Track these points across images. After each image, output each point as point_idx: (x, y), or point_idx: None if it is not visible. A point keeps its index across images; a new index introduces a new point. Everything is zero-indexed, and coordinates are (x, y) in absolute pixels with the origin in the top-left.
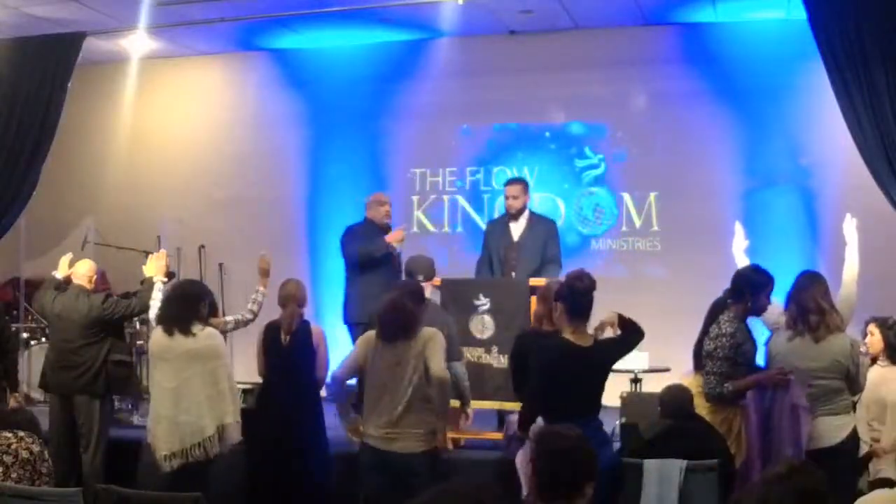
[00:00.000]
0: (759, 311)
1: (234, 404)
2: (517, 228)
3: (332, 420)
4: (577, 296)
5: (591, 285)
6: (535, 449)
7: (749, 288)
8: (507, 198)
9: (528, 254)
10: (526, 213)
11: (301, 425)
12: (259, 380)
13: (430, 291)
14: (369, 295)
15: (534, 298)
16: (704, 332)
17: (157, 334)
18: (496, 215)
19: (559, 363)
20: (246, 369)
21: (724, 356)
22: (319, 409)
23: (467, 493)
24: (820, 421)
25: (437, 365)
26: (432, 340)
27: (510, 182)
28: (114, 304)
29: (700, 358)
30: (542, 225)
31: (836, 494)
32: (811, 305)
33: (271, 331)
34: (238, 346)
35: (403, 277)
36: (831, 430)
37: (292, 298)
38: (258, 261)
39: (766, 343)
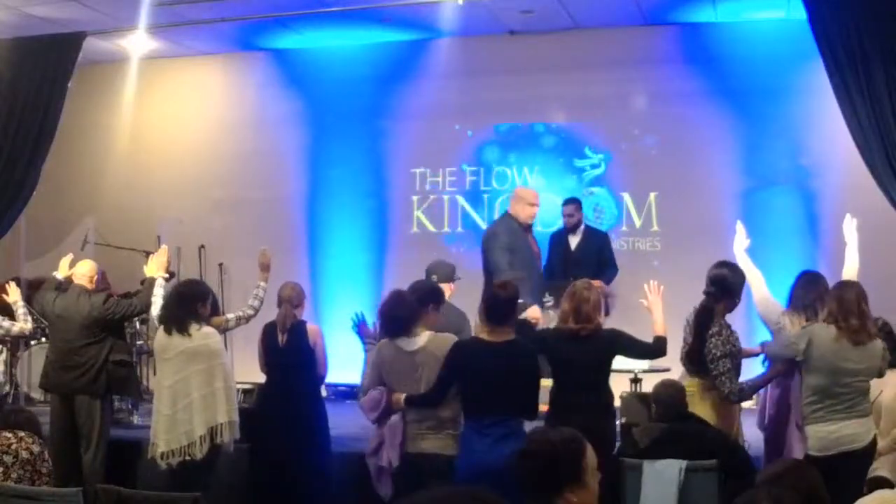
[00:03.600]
0: (735, 305)
1: (228, 403)
2: (574, 240)
3: (335, 419)
4: (499, 303)
5: (514, 295)
6: (523, 447)
7: (733, 288)
8: (563, 216)
9: (585, 261)
10: (582, 227)
11: (301, 423)
12: (259, 380)
13: (448, 295)
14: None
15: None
16: (699, 338)
17: (159, 334)
18: (496, 215)
19: (473, 361)
20: (246, 369)
21: (721, 354)
22: (321, 406)
23: (462, 494)
24: (849, 424)
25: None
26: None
27: (566, 202)
28: (115, 305)
29: (694, 362)
30: (595, 236)
31: (853, 495)
32: (854, 308)
33: (270, 331)
34: (238, 347)
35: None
36: (861, 432)
37: (286, 300)
38: (258, 255)
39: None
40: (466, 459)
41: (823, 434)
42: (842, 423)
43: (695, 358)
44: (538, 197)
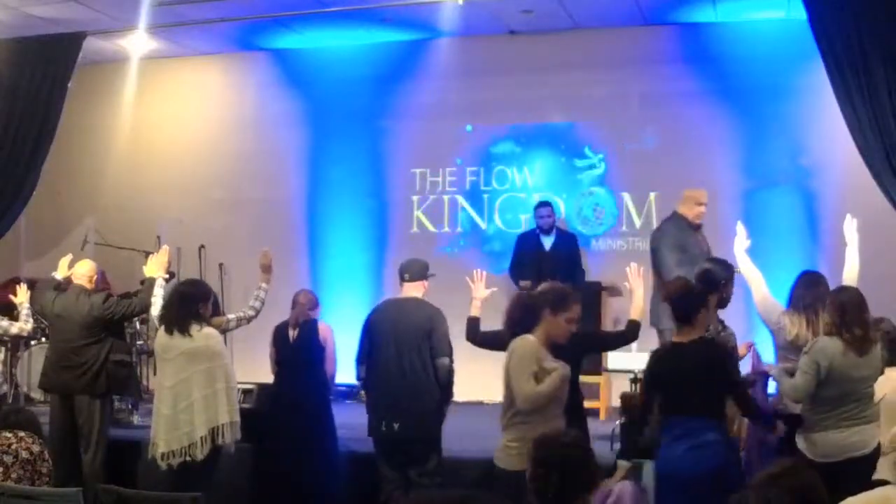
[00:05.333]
0: (727, 301)
1: (230, 404)
2: (548, 241)
3: (342, 418)
4: (677, 301)
5: (684, 290)
6: (532, 454)
7: (721, 280)
8: (539, 217)
9: (558, 262)
10: (554, 229)
11: (309, 421)
12: (259, 379)
13: (422, 293)
14: None
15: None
16: None
17: (160, 334)
18: (497, 215)
19: (659, 364)
20: (246, 369)
21: None
22: (328, 404)
23: (457, 498)
24: (857, 430)
25: (520, 387)
26: (514, 354)
27: (542, 205)
28: (114, 304)
29: None
30: (568, 238)
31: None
32: (856, 318)
33: (281, 329)
34: (238, 347)
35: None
36: (867, 438)
37: (301, 303)
38: (259, 256)
39: (774, 338)
40: (659, 465)
41: (832, 441)
42: (850, 429)
43: None
44: (706, 196)
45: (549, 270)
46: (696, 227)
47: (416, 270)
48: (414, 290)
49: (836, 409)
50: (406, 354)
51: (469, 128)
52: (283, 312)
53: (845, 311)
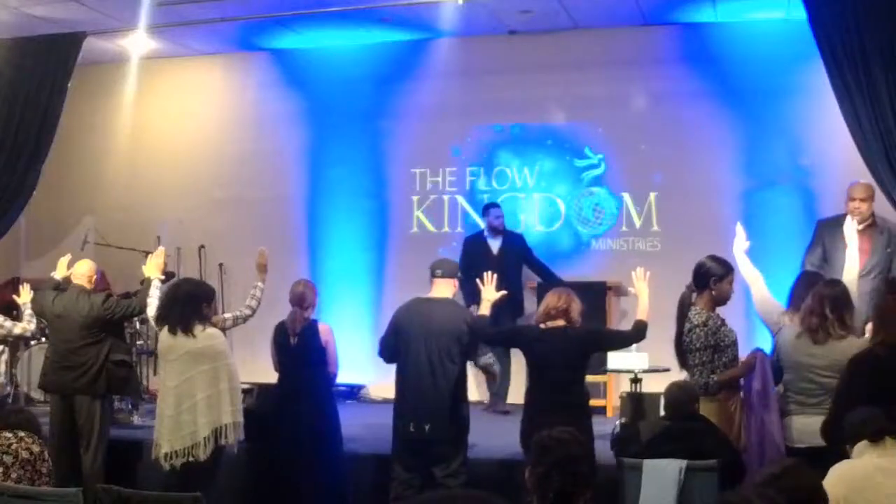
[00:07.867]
0: (723, 299)
1: (233, 404)
2: (495, 244)
3: (342, 419)
4: None
5: None
6: (532, 456)
7: (712, 277)
8: (493, 218)
9: (508, 264)
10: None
11: (313, 422)
12: (257, 380)
13: (452, 292)
14: None
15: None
16: (679, 330)
17: (163, 334)
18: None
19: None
20: (245, 370)
21: (702, 346)
22: (333, 406)
23: (467, 498)
24: (818, 420)
25: None
26: None
27: (493, 206)
28: (114, 304)
29: (683, 356)
30: (516, 239)
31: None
32: (816, 309)
33: (281, 330)
34: (238, 347)
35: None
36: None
37: (298, 300)
38: (256, 256)
39: (774, 337)
40: None
41: (799, 426)
42: (813, 417)
43: (676, 350)
44: (860, 190)
45: (497, 273)
46: (860, 224)
47: (447, 268)
48: (445, 287)
49: (794, 395)
50: (436, 357)
51: (470, 133)
52: (283, 313)
53: (813, 299)
